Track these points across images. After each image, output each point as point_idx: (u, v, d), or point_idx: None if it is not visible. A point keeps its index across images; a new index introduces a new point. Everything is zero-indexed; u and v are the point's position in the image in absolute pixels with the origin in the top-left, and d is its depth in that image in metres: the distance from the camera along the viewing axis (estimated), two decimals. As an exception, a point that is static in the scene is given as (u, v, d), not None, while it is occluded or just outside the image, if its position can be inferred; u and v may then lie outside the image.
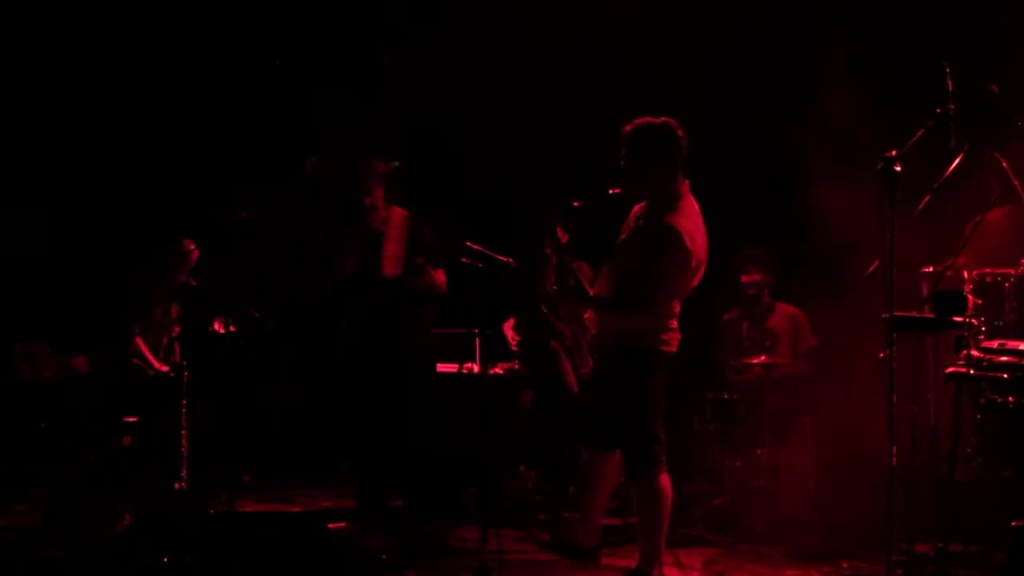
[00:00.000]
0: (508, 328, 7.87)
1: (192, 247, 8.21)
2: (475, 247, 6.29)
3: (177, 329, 8.06)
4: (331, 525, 5.86)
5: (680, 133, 5.56)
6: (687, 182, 5.59)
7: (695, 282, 5.57)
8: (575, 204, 5.76)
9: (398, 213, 7.13)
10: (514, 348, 7.73)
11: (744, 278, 7.59)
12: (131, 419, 7.97)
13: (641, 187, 5.63)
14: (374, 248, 7.01)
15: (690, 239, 5.42)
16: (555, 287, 6.30)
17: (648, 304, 5.46)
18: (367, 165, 7.15)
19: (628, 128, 5.60)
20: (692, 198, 5.59)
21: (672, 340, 5.57)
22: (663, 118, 5.59)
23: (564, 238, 6.77)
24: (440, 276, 7.01)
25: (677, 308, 5.59)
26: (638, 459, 5.51)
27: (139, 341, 8.15)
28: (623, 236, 5.68)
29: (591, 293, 5.85)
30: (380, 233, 7.05)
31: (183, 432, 7.52)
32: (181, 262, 8.21)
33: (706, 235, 5.57)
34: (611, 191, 5.70)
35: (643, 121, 5.59)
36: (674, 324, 5.57)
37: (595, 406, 5.76)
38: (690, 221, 5.49)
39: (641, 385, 5.50)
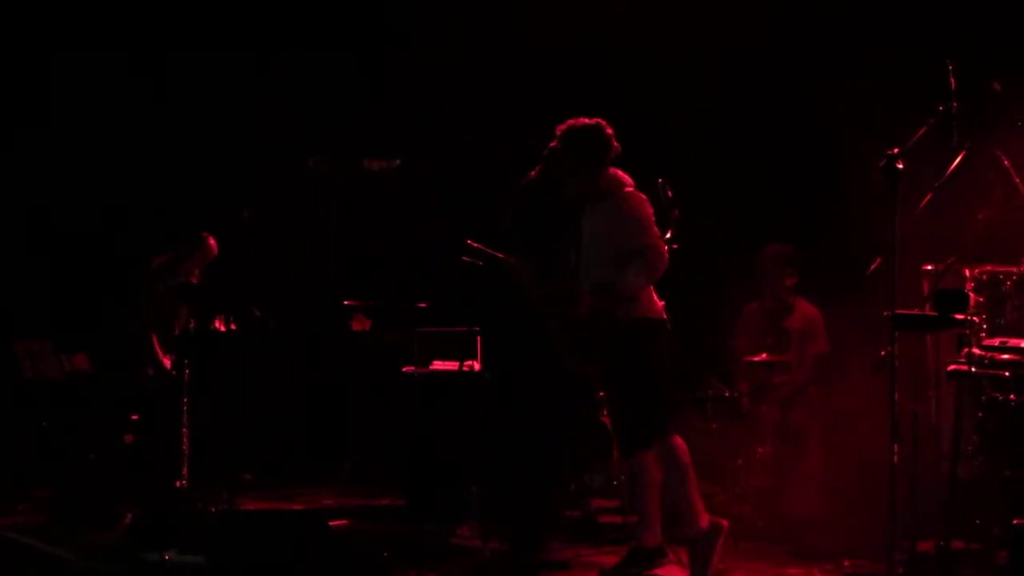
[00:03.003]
0: None
1: (211, 240, 8.22)
2: (476, 245, 6.29)
3: (192, 323, 8.06)
4: (332, 523, 5.87)
5: (610, 132, 5.84)
6: (622, 173, 5.86)
7: None
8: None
9: None
10: None
11: (778, 281, 7.52)
12: (133, 418, 7.98)
13: (581, 185, 5.86)
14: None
15: (636, 193, 5.79)
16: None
17: (660, 254, 5.66)
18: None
19: (561, 130, 5.87)
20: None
21: (660, 306, 5.82)
22: (595, 119, 5.85)
23: None
24: None
25: None
26: (663, 423, 5.70)
27: (153, 338, 8.16)
28: (585, 239, 5.88)
29: None
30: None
31: (184, 431, 7.53)
32: (201, 255, 8.23)
33: None
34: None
35: (577, 123, 5.85)
36: (651, 292, 5.82)
37: (611, 409, 5.99)
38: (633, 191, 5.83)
39: (644, 356, 5.69)
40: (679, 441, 5.78)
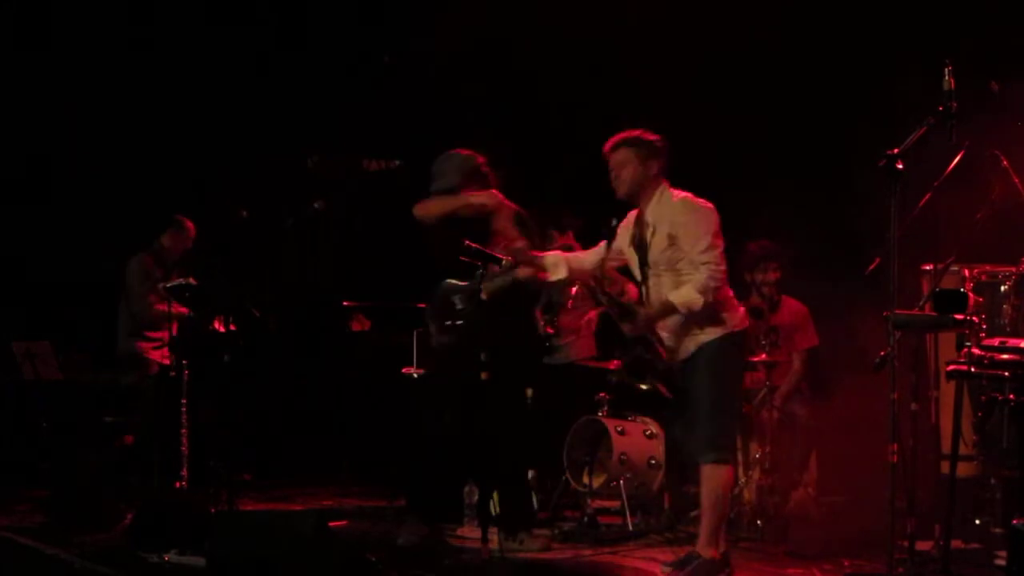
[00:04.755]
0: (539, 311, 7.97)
1: (188, 222, 8.25)
2: (474, 245, 6.30)
3: (176, 330, 8.06)
4: (332, 524, 5.87)
5: (656, 137, 5.79)
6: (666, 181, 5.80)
7: None
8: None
9: None
10: (548, 331, 7.78)
11: (759, 276, 7.50)
12: (132, 418, 7.98)
13: (635, 193, 5.78)
14: None
15: (699, 204, 5.70)
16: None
17: (719, 266, 5.56)
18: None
19: (609, 146, 5.81)
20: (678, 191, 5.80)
21: (737, 315, 5.77)
22: (638, 130, 5.80)
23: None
24: None
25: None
26: (725, 445, 5.71)
27: (149, 337, 8.18)
28: (638, 243, 5.80)
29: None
30: None
31: (183, 431, 7.54)
32: (180, 237, 8.25)
33: None
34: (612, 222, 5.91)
35: (620, 136, 5.79)
36: (735, 301, 5.80)
37: (688, 416, 5.89)
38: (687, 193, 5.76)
39: (724, 373, 5.70)
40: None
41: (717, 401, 5.69)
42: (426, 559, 6.14)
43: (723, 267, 5.58)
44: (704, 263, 5.56)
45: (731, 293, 5.82)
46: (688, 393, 5.76)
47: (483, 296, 6.14)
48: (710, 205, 5.74)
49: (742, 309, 5.86)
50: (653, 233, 5.72)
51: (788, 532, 6.67)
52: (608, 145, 5.85)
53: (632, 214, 5.87)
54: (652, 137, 5.79)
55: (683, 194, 5.77)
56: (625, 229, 5.87)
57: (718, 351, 5.69)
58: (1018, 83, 5.81)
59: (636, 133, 5.81)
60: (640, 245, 5.77)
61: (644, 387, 6.63)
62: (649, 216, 5.76)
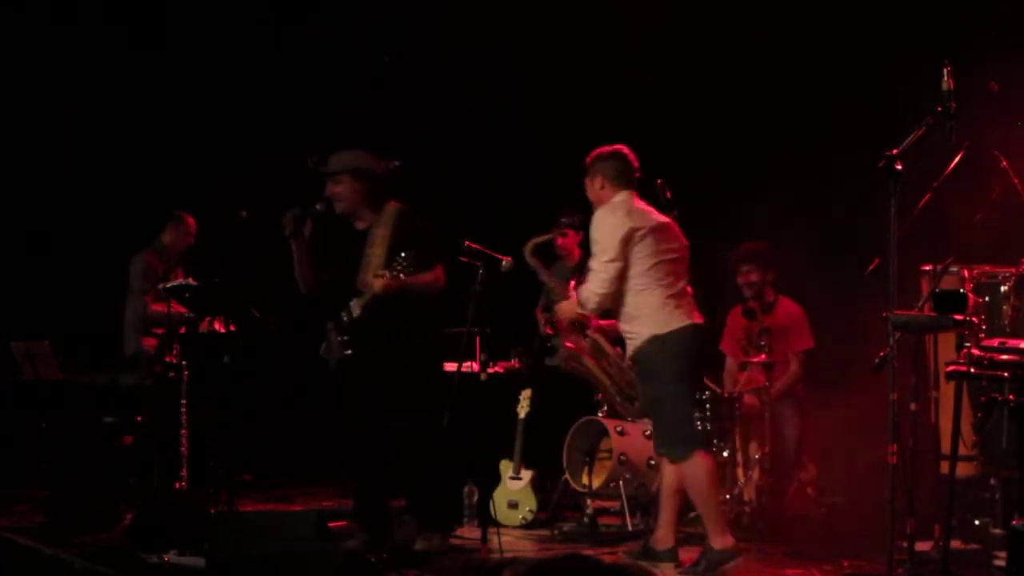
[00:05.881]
0: (539, 311, 8.01)
1: (188, 216, 8.25)
2: (474, 246, 6.30)
3: (183, 329, 8.06)
4: (332, 524, 5.87)
5: (625, 153, 5.85)
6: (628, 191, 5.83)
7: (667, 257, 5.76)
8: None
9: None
10: (547, 331, 7.82)
11: (740, 278, 7.52)
12: (132, 418, 7.98)
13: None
14: None
15: (611, 213, 5.72)
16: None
17: (599, 273, 5.62)
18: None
19: (588, 161, 5.91)
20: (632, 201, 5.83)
21: (675, 316, 5.73)
22: (614, 146, 5.88)
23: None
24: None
25: (674, 286, 5.77)
26: (673, 443, 5.76)
27: (150, 335, 8.17)
28: None
29: None
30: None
31: (183, 432, 7.53)
32: (179, 232, 8.25)
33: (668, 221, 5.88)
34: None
35: (595, 153, 5.89)
36: (671, 303, 5.74)
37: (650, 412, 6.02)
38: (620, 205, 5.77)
39: (661, 371, 5.72)
40: (703, 458, 5.82)
41: (659, 402, 5.79)
42: (426, 559, 6.14)
43: (608, 275, 5.62)
44: (592, 270, 5.68)
45: (671, 294, 5.75)
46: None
47: (356, 313, 6.24)
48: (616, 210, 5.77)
49: (683, 309, 5.77)
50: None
51: (788, 532, 6.67)
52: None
53: None
54: (601, 151, 5.86)
55: (608, 203, 5.81)
56: None
57: (647, 355, 5.77)
58: (1018, 83, 5.81)
59: (593, 153, 5.90)
60: None
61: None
62: None
